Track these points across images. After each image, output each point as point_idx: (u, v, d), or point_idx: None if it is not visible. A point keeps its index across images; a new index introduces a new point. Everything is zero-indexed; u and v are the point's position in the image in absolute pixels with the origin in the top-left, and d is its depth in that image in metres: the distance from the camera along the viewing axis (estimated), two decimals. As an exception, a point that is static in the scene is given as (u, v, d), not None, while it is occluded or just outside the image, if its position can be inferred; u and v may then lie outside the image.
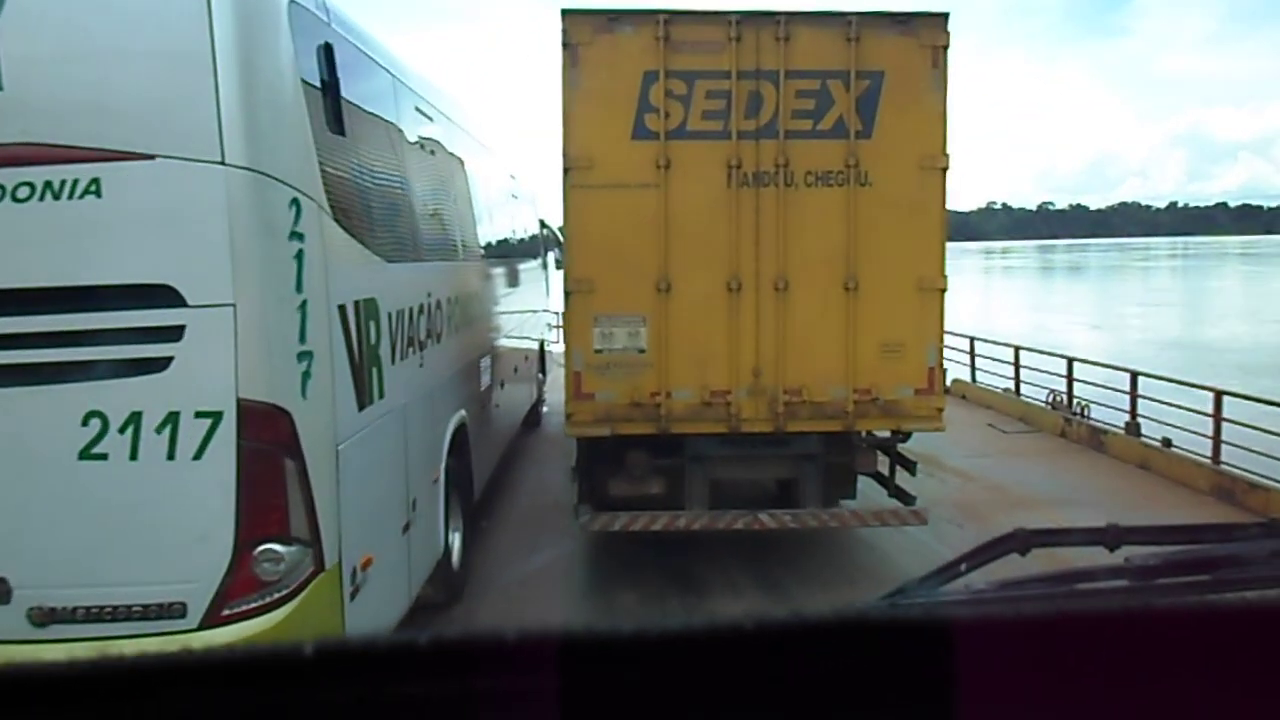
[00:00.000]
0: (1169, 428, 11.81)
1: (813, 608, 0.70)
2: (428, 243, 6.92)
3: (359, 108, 5.42)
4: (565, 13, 7.18)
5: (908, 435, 7.80)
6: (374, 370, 5.14)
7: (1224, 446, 10.66)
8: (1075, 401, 13.89)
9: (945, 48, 7.31)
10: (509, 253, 11.84)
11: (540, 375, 15.08)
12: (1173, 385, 12.45)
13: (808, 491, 7.77)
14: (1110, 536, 1.82)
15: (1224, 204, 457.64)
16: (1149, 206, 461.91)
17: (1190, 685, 0.66)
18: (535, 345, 14.37)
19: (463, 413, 7.68)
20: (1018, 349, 15.73)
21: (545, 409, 14.70)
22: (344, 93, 5.01)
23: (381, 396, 5.28)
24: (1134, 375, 12.61)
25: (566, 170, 7.23)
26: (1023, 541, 1.82)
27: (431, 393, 6.62)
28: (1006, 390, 15.74)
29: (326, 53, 4.77)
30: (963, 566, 1.82)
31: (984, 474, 11.26)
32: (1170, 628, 0.68)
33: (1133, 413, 12.48)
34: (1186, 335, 41.33)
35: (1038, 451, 12.71)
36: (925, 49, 7.30)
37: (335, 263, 4.58)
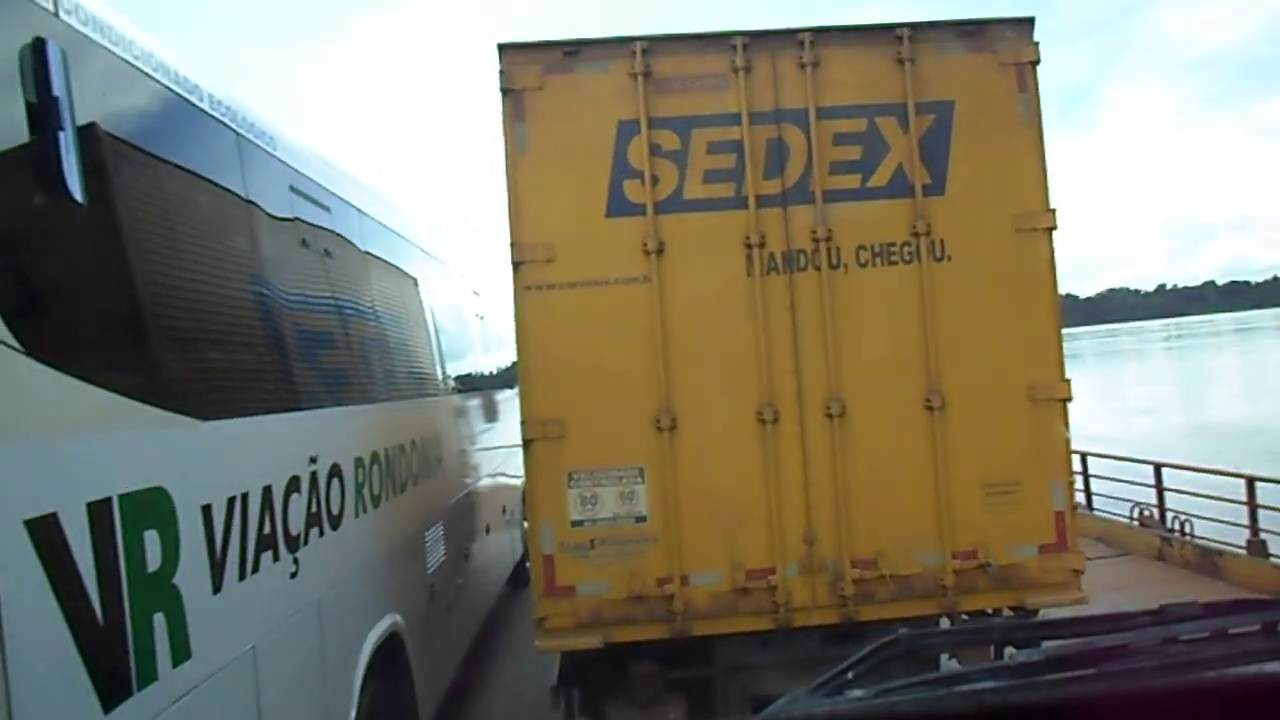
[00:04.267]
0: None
1: None
2: (314, 382, 4.69)
3: (143, 155, 3.25)
4: (503, 48, 5.13)
5: (1034, 614, 5.43)
6: (154, 619, 2.84)
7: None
8: (1170, 516, 11.49)
9: (1035, 64, 5.27)
10: (472, 385, 9.63)
11: (525, 522, 12.78)
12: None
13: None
14: (996, 635, 2.01)
15: (1212, 282, 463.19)
16: (1137, 290, 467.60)
17: None
18: (516, 485, 12.09)
19: (393, 618, 5.32)
20: (1085, 454, 13.38)
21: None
22: (111, 131, 2.87)
23: (182, 659, 2.97)
24: (1250, 480, 10.26)
25: (516, 265, 5.08)
26: (907, 645, 1.88)
27: (320, 610, 4.29)
28: (1077, 506, 13.29)
29: (37, 49, 2.62)
30: (849, 675, 1.83)
31: (1089, 624, 8.80)
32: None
33: (1253, 527, 10.09)
34: (1223, 419, 38.84)
35: (1140, 582, 10.23)
36: (1007, 68, 5.27)
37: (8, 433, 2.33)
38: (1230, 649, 1.67)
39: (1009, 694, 1.45)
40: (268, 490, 3.79)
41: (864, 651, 1.85)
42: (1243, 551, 10.04)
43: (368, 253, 5.97)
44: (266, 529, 3.74)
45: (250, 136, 4.18)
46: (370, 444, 5.32)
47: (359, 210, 5.87)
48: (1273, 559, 9.72)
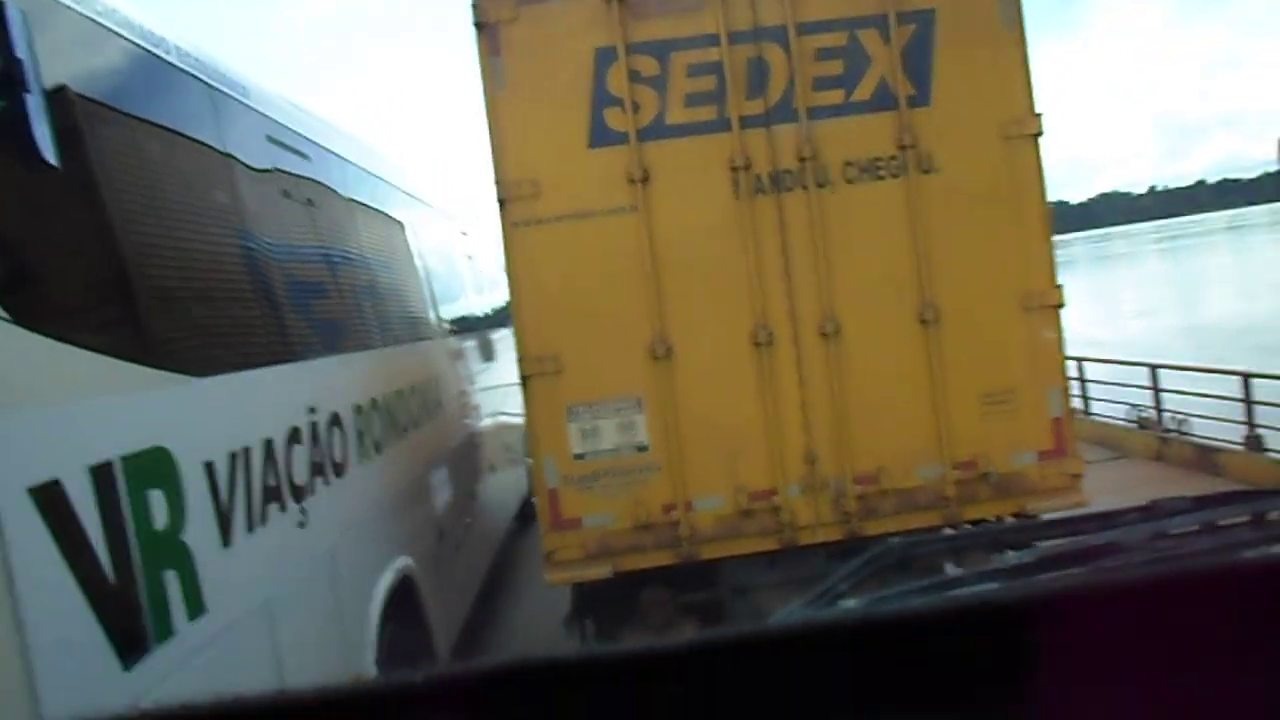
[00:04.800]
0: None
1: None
2: (306, 332, 4.68)
3: (115, 113, 3.21)
4: (474, -20, 5.02)
5: (1034, 519, 5.50)
6: (165, 577, 2.87)
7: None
8: (1166, 416, 11.58)
9: (1016, -35, 5.16)
10: (467, 326, 9.62)
11: (529, 458, 12.83)
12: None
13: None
14: (986, 539, 2.02)
15: (1203, 181, 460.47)
16: (1129, 193, 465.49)
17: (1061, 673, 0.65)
18: (518, 423, 12.15)
19: (405, 560, 5.39)
20: (1080, 360, 13.42)
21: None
22: (80, 90, 2.83)
23: (197, 614, 3.01)
24: (1245, 377, 10.32)
25: (502, 202, 5.04)
26: (898, 554, 1.95)
27: (332, 557, 4.34)
28: (1075, 411, 13.38)
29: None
30: (843, 586, 1.84)
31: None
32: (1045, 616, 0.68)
33: (1250, 422, 10.18)
34: (1216, 318, 38.91)
35: (1140, 482, 10.32)
36: None
37: None
38: (1219, 540, 1.67)
39: (987, 596, 1.44)
40: (269, 443, 3.81)
41: (855, 563, 1.86)
42: (1240, 447, 10.15)
43: (351, 199, 5.91)
44: (271, 481, 3.76)
45: (223, 88, 4.12)
46: (368, 391, 5.33)
47: (340, 156, 5.80)
48: (1269, 453, 9.83)
